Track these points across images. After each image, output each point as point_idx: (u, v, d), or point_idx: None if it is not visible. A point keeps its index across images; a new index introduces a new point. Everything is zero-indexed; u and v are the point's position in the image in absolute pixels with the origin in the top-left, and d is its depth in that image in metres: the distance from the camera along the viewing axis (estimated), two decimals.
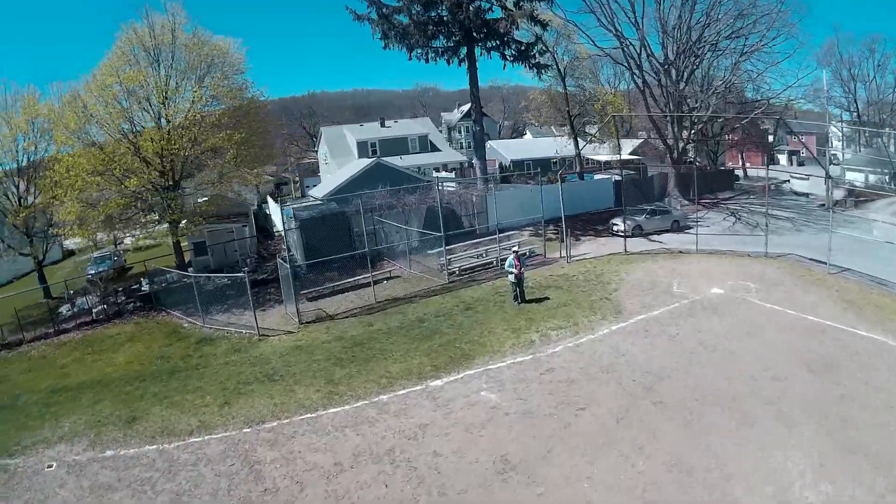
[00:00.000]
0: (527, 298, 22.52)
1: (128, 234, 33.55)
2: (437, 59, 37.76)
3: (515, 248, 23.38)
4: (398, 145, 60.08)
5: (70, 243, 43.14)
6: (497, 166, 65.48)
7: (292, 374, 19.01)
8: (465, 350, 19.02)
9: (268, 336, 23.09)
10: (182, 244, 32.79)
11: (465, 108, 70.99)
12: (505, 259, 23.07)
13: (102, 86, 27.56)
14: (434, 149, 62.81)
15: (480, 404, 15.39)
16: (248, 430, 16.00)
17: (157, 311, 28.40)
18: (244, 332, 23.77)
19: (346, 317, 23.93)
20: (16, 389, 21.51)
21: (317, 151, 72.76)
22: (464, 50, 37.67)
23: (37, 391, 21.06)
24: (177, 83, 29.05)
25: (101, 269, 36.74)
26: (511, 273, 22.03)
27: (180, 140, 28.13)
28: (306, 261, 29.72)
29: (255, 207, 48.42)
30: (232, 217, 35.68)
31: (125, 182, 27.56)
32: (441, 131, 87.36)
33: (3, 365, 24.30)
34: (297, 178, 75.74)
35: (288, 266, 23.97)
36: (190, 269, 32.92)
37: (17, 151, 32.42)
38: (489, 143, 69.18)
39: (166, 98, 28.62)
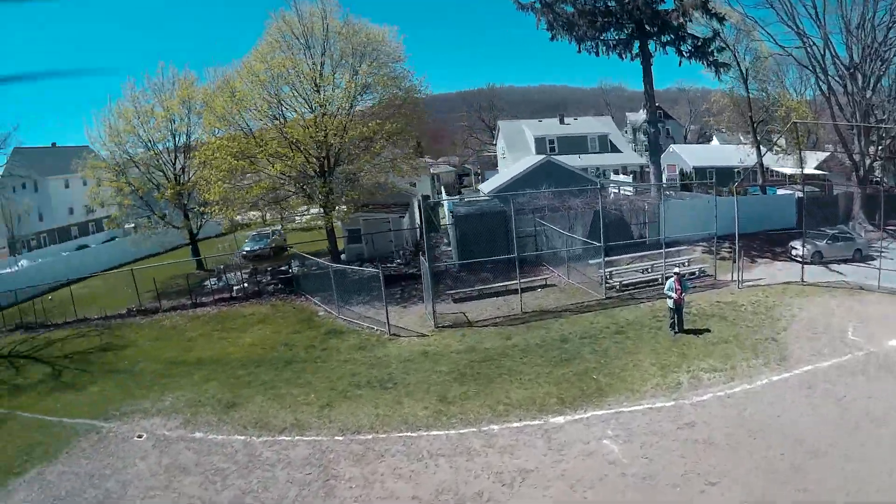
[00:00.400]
0: (685, 328, 20.84)
1: (278, 216, 35.86)
2: (609, 52, 37.81)
3: (677, 270, 21.61)
4: (576, 144, 61.26)
5: (240, 218, 47.53)
6: (678, 172, 65.95)
7: (407, 383, 18.51)
8: (600, 384, 17.10)
9: (399, 336, 23.02)
10: (337, 231, 34.83)
11: None
12: (670, 277, 20.97)
13: (251, 72, 30.29)
14: (614, 149, 63.60)
15: (598, 455, 13.47)
16: (340, 438, 15.79)
17: (298, 296, 30.08)
18: (376, 328, 23.99)
19: (487, 325, 23.09)
20: (139, 356, 23.95)
21: (495, 145, 75.92)
22: (637, 44, 37.00)
23: (157, 360, 23.18)
24: (332, 71, 31.02)
25: (256, 247, 39.76)
26: (670, 297, 19.87)
27: (329, 128, 29.84)
28: (460, 259, 29.67)
29: (421, 198, 49.77)
30: (392, 207, 36.57)
31: (271, 166, 29.91)
32: (625, 132, 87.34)
33: (135, 330, 27.23)
34: (479, 171, 77.90)
35: (427, 264, 23.64)
36: (342, 256, 34.65)
37: (170, 131, 37.38)
38: (672, 148, 69.88)
39: (317, 86, 30.58)
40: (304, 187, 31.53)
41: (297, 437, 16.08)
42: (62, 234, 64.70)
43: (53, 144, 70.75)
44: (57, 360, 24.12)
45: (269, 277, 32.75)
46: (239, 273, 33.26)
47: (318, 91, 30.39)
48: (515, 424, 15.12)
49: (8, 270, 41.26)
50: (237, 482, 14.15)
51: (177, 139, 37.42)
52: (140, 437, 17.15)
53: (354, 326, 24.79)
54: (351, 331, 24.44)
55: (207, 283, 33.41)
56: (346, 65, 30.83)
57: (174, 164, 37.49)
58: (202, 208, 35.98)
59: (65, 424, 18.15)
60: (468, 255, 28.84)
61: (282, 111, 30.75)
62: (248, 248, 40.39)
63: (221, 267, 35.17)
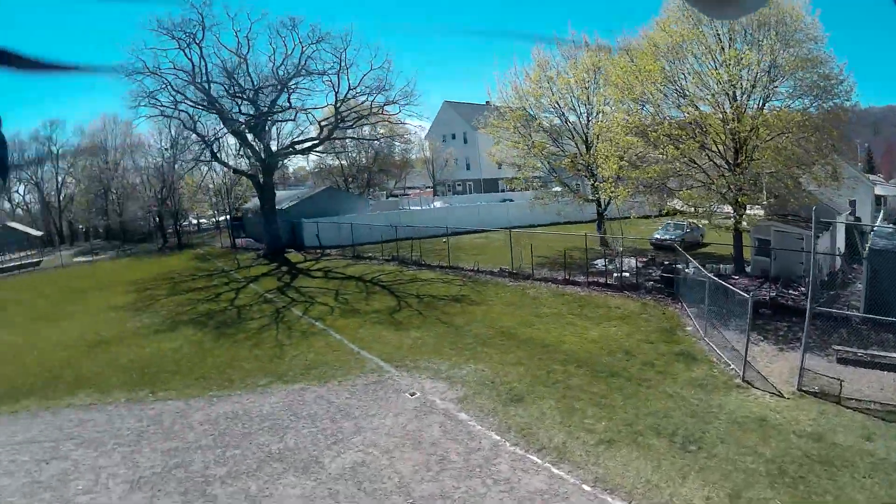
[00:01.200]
0: None
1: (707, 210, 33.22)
2: None
3: None
4: None
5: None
6: None
7: (713, 454, 14.24)
8: None
9: (750, 386, 18.32)
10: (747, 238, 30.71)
11: None
12: None
13: (651, 42, 28.18)
14: None
15: None
16: (588, 488, 13.22)
17: (675, 301, 26.95)
18: (731, 366, 19.69)
19: (858, 408, 16.42)
20: (478, 316, 24.92)
21: None
22: None
23: (490, 326, 23.77)
24: (744, 47, 26.78)
25: (666, 237, 37.64)
26: None
27: (737, 111, 26.53)
28: (867, 306, 22.91)
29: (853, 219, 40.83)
30: (810, 223, 30.41)
31: (662, 149, 27.39)
32: None
33: (497, 291, 28.54)
34: None
35: (809, 304, 18.39)
36: (747, 268, 30.70)
37: (577, 98, 37.46)
38: None
39: (725, 63, 26.66)
40: (714, 180, 27.70)
41: (546, 464, 13.98)
42: (489, 185, 71.51)
43: (488, 102, 77.29)
44: (406, 297, 26.38)
45: (658, 272, 30.32)
46: (631, 260, 31.63)
47: (725, 66, 26.47)
48: None
49: (416, 208, 46.81)
50: (448, 482, 13.10)
51: (588, 108, 37.09)
52: (413, 394, 17.43)
53: (712, 355, 20.69)
54: (705, 360, 20.46)
55: (598, 262, 32.61)
56: (751, 39, 26.36)
57: (585, 134, 37.06)
58: (598, 184, 35.26)
59: (359, 357, 19.59)
60: (878, 303, 21.69)
61: (682, 87, 27.75)
62: (657, 236, 38.25)
63: (620, 250, 34.02)
